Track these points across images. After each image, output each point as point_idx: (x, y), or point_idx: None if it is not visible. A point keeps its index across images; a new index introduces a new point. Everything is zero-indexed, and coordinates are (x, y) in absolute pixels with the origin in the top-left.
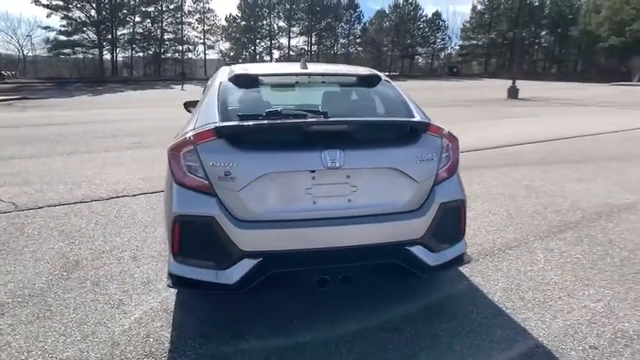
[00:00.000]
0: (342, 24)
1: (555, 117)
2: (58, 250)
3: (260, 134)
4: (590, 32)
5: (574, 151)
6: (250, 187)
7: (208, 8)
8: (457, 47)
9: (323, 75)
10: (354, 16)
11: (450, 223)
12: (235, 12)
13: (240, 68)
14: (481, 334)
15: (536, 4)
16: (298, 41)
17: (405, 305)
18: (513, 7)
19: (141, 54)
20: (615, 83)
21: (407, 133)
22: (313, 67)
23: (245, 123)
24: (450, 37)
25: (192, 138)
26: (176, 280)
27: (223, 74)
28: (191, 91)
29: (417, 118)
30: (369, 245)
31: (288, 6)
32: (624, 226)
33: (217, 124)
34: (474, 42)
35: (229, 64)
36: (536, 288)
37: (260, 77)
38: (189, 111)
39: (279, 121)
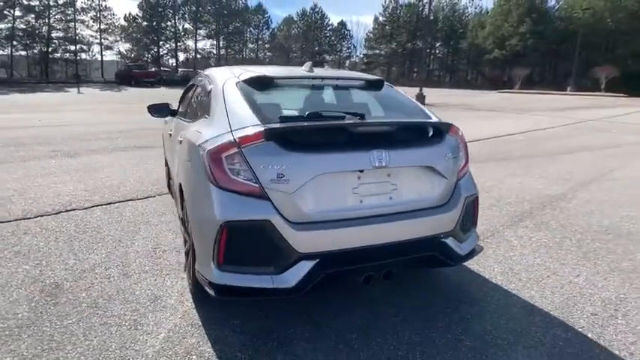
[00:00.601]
0: (251, 29)
1: (465, 121)
2: (25, 273)
3: (312, 135)
4: (478, 45)
5: (494, 151)
6: (303, 188)
7: (105, 6)
8: (362, 56)
9: (337, 79)
10: (262, 21)
11: (470, 215)
12: (135, 11)
13: (245, 70)
14: (503, 313)
15: (432, 17)
16: (205, 44)
17: (428, 297)
18: (412, 20)
19: (23, 52)
20: (500, 90)
21: (435, 133)
22: (321, 71)
23: (298, 124)
24: (354, 46)
25: (237, 140)
26: (222, 290)
27: (225, 76)
28: (90, 94)
29: (435, 119)
30: (410, 240)
31: (194, 8)
32: (567, 213)
33: (269, 126)
34: (377, 51)
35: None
36: (526, 270)
37: (276, 80)
38: (155, 115)
39: (330, 123)
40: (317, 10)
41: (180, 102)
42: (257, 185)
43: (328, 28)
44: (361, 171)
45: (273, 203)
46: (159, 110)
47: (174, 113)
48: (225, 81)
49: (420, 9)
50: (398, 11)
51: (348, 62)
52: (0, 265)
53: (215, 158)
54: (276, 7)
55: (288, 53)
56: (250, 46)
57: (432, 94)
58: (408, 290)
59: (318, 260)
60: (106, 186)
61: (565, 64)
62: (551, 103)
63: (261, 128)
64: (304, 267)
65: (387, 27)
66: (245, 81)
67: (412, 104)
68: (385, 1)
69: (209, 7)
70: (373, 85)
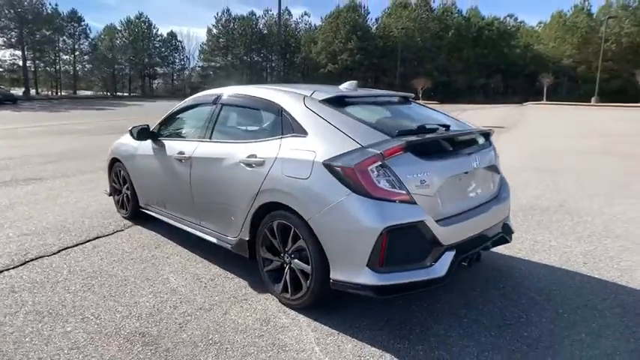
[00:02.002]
0: (65, 37)
1: None
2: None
3: (437, 145)
4: (312, 59)
5: None
6: (439, 190)
7: None
8: (198, 68)
9: (385, 96)
10: (78, 29)
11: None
12: None
13: (305, 89)
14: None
15: (265, 31)
16: (4, 54)
17: (490, 284)
18: (247, 32)
19: None
20: None
21: (487, 137)
22: (365, 90)
23: (429, 136)
24: (188, 58)
25: (381, 153)
26: (382, 291)
27: (292, 96)
28: None
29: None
30: (494, 224)
31: None
32: (558, 217)
33: (408, 139)
34: (213, 63)
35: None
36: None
37: (348, 98)
38: (136, 138)
39: (449, 134)
40: (143, 19)
41: (169, 124)
42: (405, 192)
43: (157, 39)
44: (466, 172)
45: (421, 206)
46: (142, 133)
47: (153, 135)
48: (300, 101)
49: (255, 22)
50: (232, 24)
51: (183, 75)
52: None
53: (363, 171)
54: (92, 15)
55: (114, 65)
56: (65, 57)
57: None
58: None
59: (455, 250)
60: (102, 211)
61: (387, 77)
62: None
63: (401, 141)
64: (448, 257)
65: (221, 39)
66: (326, 100)
67: (442, 114)
68: (218, 14)
69: (7, 11)
70: (405, 100)
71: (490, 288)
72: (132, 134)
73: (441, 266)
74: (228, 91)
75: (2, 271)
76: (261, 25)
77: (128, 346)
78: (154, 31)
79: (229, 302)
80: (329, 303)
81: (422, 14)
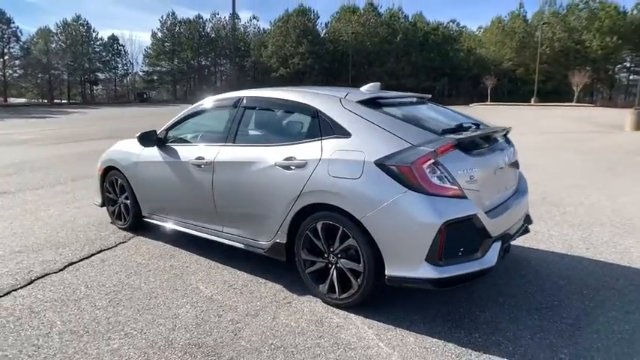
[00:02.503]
0: None
1: None
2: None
3: (480, 142)
4: (263, 63)
5: None
6: (483, 185)
7: None
8: (142, 73)
9: (411, 97)
10: (7, 32)
11: None
12: None
13: (337, 91)
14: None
15: (213, 35)
16: None
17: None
18: (194, 36)
19: None
20: None
21: (507, 135)
22: (389, 92)
23: (474, 134)
24: (132, 63)
25: (435, 151)
26: (442, 283)
27: (329, 98)
28: None
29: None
30: (522, 216)
31: None
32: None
33: (456, 137)
34: (159, 68)
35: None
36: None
37: (382, 99)
38: (143, 144)
39: (486, 131)
40: (81, 21)
41: (178, 129)
42: (457, 187)
43: (98, 43)
44: (501, 167)
45: (472, 200)
46: (150, 139)
47: (160, 141)
48: (337, 103)
49: (202, 26)
50: (177, 27)
51: (126, 80)
52: None
53: (419, 169)
54: (22, 18)
55: (49, 70)
56: None
57: None
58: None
59: (500, 240)
60: (95, 222)
61: (338, 81)
62: None
63: (450, 139)
64: (496, 247)
65: (167, 43)
66: (363, 102)
67: (459, 114)
68: (162, 17)
69: None
70: (427, 100)
71: (515, 277)
72: (139, 140)
73: (492, 256)
74: (250, 95)
75: (10, 292)
76: (208, 29)
77: (189, 359)
78: (94, 34)
79: (273, 306)
80: (376, 301)
81: (370, 19)
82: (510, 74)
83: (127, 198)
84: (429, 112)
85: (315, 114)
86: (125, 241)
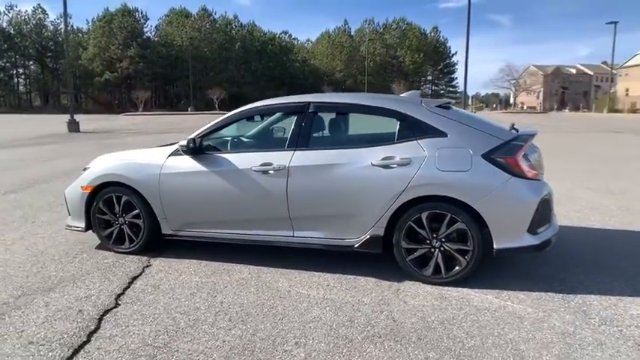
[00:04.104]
0: None
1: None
2: None
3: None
4: (83, 66)
5: None
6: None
7: None
8: None
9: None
10: None
11: None
12: None
13: (412, 97)
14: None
15: (12, 31)
16: None
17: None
18: None
19: None
20: (127, 114)
21: None
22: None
23: (531, 131)
24: None
25: (524, 143)
26: (539, 247)
27: (413, 104)
28: None
29: None
30: None
31: None
32: None
33: (527, 131)
34: None
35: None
36: None
37: (446, 105)
38: (190, 153)
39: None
40: None
41: (217, 137)
42: (537, 172)
43: None
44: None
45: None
46: (194, 147)
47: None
48: (422, 107)
49: None
50: None
51: None
52: None
53: (519, 159)
54: None
55: None
56: None
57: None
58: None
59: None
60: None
61: (175, 87)
62: (191, 123)
63: (528, 134)
64: (555, 218)
65: None
66: (441, 106)
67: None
68: None
69: None
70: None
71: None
72: (184, 149)
73: (556, 223)
74: (318, 100)
75: (86, 343)
76: (4, 24)
77: (386, 345)
78: None
79: (391, 294)
80: (475, 275)
81: (205, 24)
82: (342, 84)
83: (136, 217)
84: (466, 112)
85: (403, 117)
86: (149, 265)
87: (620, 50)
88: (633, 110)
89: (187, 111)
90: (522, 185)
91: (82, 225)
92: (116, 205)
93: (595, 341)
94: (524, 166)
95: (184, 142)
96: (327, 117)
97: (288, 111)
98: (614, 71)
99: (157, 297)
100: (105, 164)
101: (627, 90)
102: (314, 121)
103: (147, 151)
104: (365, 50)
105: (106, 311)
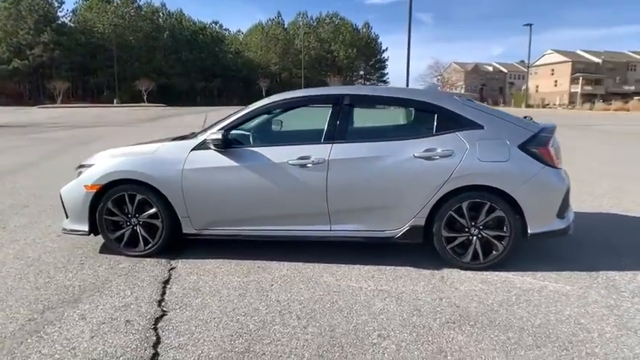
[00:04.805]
0: None
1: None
2: None
3: None
4: None
5: None
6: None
7: None
8: None
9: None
10: None
11: None
12: None
13: (438, 90)
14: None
15: None
16: None
17: None
18: None
19: None
20: (42, 106)
21: None
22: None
23: (553, 123)
24: None
25: (551, 134)
26: (566, 231)
27: (450, 98)
28: None
29: None
30: None
31: None
32: None
33: (549, 126)
34: None
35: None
36: None
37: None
38: (222, 147)
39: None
40: None
41: (242, 129)
42: (560, 161)
43: None
44: None
45: None
46: (226, 140)
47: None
48: (458, 101)
49: None
50: None
51: None
52: None
53: (550, 149)
54: None
55: None
56: None
57: None
58: None
59: None
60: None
61: (97, 78)
62: (122, 117)
63: (551, 126)
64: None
65: None
66: (471, 100)
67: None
68: None
69: None
70: None
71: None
72: (216, 143)
73: (571, 209)
74: (353, 93)
75: (157, 356)
76: None
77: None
78: None
79: (438, 282)
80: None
81: (129, 11)
82: (277, 77)
83: (153, 217)
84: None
85: (441, 111)
86: (174, 267)
87: (529, 49)
88: (544, 105)
89: (113, 103)
90: (553, 173)
91: (85, 228)
92: (128, 205)
93: (638, 311)
94: (554, 156)
95: (217, 136)
96: (364, 110)
97: (320, 103)
98: (524, 69)
99: (204, 300)
100: (114, 160)
101: (537, 87)
102: (350, 114)
103: (162, 145)
104: (300, 44)
105: (157, 319)
